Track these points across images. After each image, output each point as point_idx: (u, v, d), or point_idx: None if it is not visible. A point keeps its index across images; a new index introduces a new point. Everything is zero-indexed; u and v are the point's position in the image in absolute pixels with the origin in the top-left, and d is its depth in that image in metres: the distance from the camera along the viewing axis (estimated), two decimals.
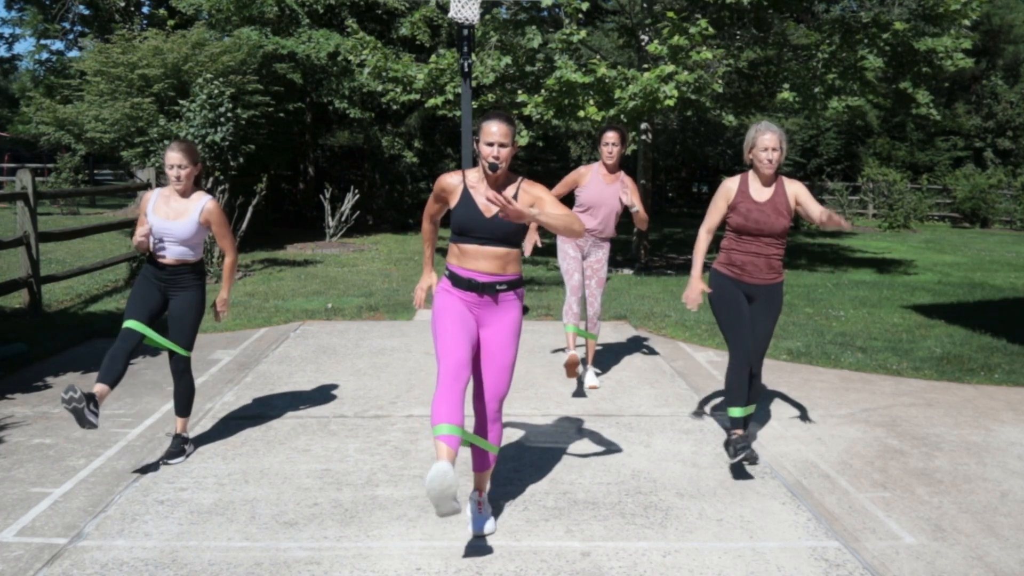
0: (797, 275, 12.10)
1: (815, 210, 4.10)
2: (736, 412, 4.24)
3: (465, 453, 4.18)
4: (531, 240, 5.69)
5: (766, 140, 4.11)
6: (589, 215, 5.58)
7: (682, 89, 10.77)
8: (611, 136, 5.49)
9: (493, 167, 3.29)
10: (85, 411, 3.79)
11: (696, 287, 4.34)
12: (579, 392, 5.62)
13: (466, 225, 3.34)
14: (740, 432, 4.20)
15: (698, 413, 5.21)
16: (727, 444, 4.25)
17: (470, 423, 3.89)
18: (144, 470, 4.13)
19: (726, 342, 4.31)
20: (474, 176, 3.41)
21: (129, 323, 4.13)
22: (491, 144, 3.28)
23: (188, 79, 12.99)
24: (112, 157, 15.98)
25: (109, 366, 4.03)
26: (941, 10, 11.64)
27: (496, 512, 3.67)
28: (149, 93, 13.17)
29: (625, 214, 5.74)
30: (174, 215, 4.20)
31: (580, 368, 5.55)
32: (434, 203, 3.54)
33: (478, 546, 3.37)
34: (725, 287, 4.30)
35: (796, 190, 4.20)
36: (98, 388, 3.97)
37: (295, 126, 17.79)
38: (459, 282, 3.39)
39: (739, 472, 4.21)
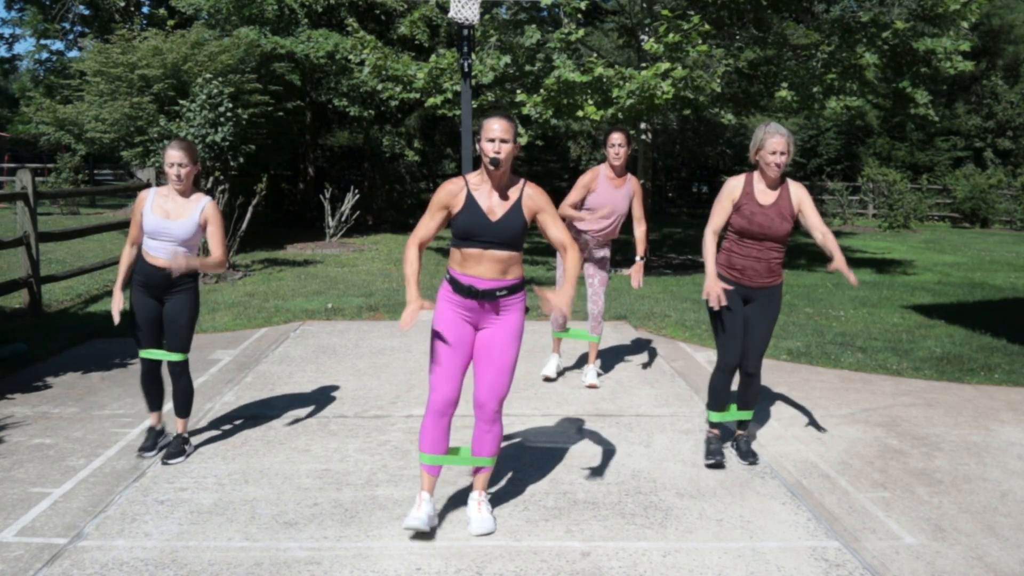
0: (797, 275, 12.09)
1: (815, 222, 4.07)
2: (714, 417, 4.36)
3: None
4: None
5: (774, 143, 4.02)
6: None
7: (677, 86, 10.76)
8: (617, 137, 5.50)
9: (494, 162, 3.30)
10: (157, 447, 4.36)
11: (715, 284, 4.08)
12: (548, 378, 5.86)
13: (470, 229, 3.32)
14: (716, 432, 4.39)
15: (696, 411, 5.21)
16: (707, 444, 4.36)
17: (469, 431, 3.89)
18: (144, 470, 4.13)
19: (716, 345, 4.32)
20: (476, 178, 3.40)
21: (144, 353, 4.32)
22: (492, 140, 3.29)
23: (188, 79, 12.99)
24: (112, 157, 15.97)
25: (149, 393, 4.40)
26: (940, 11, 11.63)
27: (496, 512, 3.67)
28: (149, 93, 13.16)
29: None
30: (173, 215, 4.14)
31: (554, 377, 5.92)
32: (432, 218, 3.39)
33: (478, 546, 3.37)
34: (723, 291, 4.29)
35: (801, 196, 4.14)
36: (153, 418, 4.44)
37: (295, 126, 17.76)
38: (459, 288, 3.39)
39: (734, 472, 4.22)
